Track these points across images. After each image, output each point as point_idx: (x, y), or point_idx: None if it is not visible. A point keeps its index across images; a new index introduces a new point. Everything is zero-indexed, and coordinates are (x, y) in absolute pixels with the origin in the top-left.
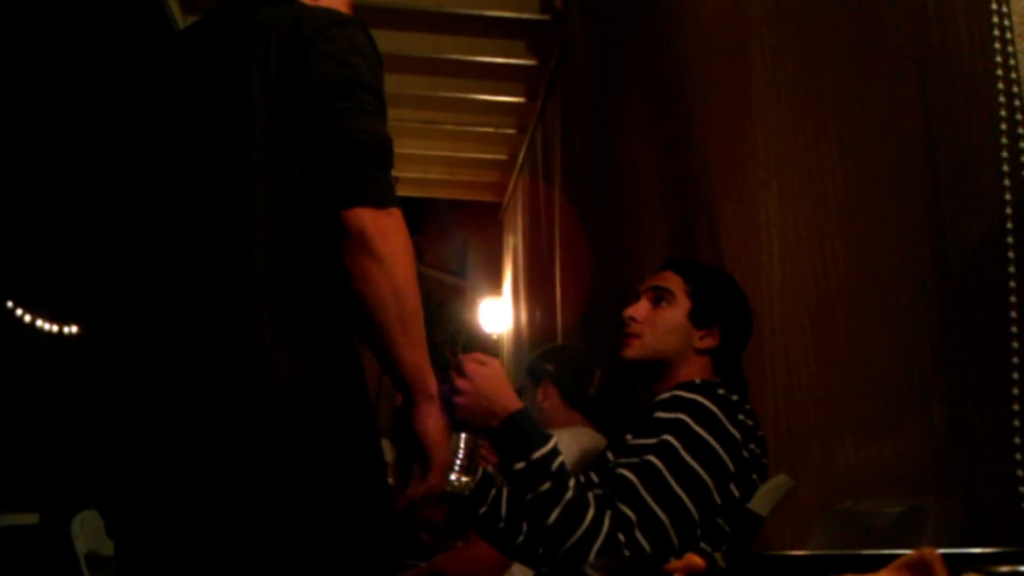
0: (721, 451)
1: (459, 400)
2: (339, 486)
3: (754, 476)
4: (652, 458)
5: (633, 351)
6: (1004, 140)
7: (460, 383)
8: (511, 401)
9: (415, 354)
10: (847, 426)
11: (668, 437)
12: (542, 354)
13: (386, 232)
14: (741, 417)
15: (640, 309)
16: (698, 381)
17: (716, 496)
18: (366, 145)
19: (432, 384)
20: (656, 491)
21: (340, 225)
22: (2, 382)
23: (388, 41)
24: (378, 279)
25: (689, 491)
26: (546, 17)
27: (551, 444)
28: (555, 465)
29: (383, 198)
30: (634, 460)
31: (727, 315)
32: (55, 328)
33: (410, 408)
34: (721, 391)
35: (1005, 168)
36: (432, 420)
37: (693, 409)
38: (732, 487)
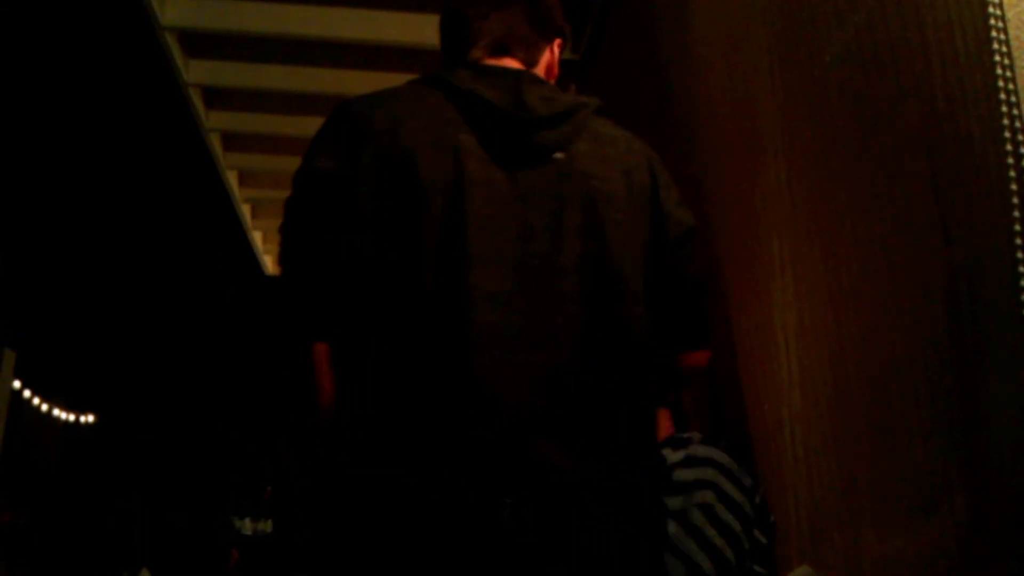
0: None
1: None
2: None
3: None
4: None
5: None
6: (1016, 214)
7: None
8: None
9: None
10: (869, 515)
11: None
12: None
13: None
14: None
15: None
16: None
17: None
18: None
19: None
20: None
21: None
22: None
23: (418, 33)
24: None
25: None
26: (575, 57)
27: None
28: None
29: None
30: None
31: None
32: (71, 417)
33: None
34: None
35: (1018, 242)
36: None
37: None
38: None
